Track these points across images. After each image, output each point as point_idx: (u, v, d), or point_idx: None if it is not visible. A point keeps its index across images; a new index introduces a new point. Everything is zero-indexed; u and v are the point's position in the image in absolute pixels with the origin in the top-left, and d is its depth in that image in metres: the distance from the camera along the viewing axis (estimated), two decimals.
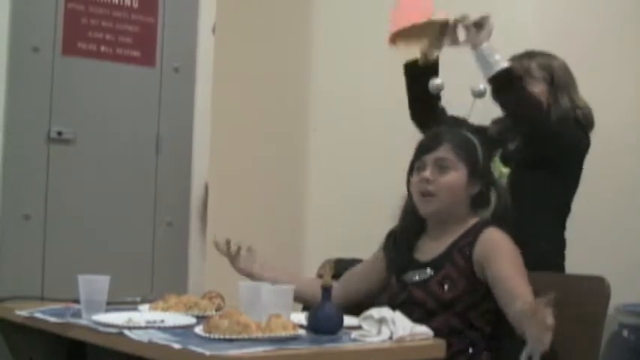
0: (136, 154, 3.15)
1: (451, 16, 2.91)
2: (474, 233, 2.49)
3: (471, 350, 2.43)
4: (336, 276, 2.90)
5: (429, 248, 2.58)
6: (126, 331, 2.23)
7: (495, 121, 3.11)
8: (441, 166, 2.51)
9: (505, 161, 3.02)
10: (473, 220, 2.55)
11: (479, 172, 2.56)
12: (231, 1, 3.65)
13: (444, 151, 2.53)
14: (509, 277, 2.36)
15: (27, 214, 2.93)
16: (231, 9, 3.59)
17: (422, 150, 2.58)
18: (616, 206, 4.02)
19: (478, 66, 2.85)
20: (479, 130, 2.85)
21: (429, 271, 2.51)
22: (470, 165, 2.54)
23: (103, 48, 3.09)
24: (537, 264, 2.53)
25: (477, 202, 2.57)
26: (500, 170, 2.99)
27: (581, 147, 2.97)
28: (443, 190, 2.51)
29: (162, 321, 2.38)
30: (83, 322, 2.42)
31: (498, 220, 2.55)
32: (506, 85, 2.83)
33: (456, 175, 2.52)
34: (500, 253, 2.42)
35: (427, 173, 2.52)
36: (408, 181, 2.62)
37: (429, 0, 2.93)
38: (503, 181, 2.91)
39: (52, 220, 2.97)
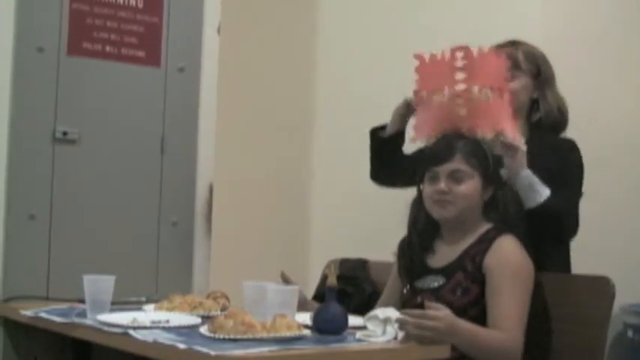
0: (141, 154, 3.16)
1: None
2: (486, 241, 2.50)
3: None
4: (341, 276, 2.90)
5: (443, 254, 2.58)
6: (131, 331, 2.23)
7: None
8: (456, 178, 2.52)
9: None
10: (485, 226, 2.56)
11: (491, 178, 2.56)
12: (236, 1, 3.65)
13: (458, 162, 2.53)
14: (498, 301, 2.41)
15: (32, 214, 2.93)
16: (236, 9, 3.60)
17: (434, 160, 2.57)
18: (621, 206, 4.02)
19: (520, 193, 2.69)
20: None
21: (441, 279, 2.52)
22: (483, 172, 2.54)
23: (108, 48, 3.09)
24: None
25: (490, 206, 2.58)
26: None
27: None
28: (459, 199, 2.52)
29: (167, 321, 2.38)
30: (88, 322, 2.43)
31: (509, 224, 2.56)
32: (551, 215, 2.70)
33: (471, 184, 2.53)
34: (502, 269, 2.44)
35: (442, 185, 2.52)
36: (419, 190, 2.62)
37: None
38: None
39: (57, 220, 2.97)
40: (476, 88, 2.60)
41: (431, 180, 2.56)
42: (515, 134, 2.63)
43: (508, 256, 2.46)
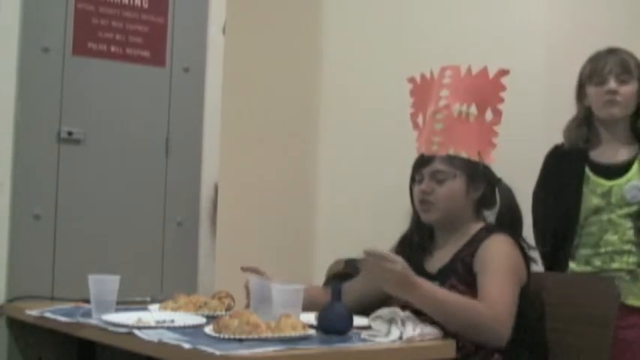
0: (146, 154, 3.16)
1: None
2: (476, 242, 2.51)
3: (481, 353, 2.42)
4: (346, 276, 2.90)
5: (437, 258, 2.60)
6: (136, 331, 2.23)
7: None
8: (437, 179, 2.54)
9: (608, 176, 2.92)
10: (477, 226, 2.56)
11: (479, 175, 2.56)
12: (242, 1, 3.65)
13: (438, 164, 2.56)
14: (483, 280, 2.42)
15: (37, 214, 2.94)
16: (241, 9, 3.59)
17: (419, 163, 2.62)
18: None
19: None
20: None
21: (436, 283, 2.52)
22: (468, 170, 2.55)
23: (113, 48, 3.09)
24: None
25: (482, 203, 2.59)
26: (598, 182, 2.92)
27: None
28: (441, 199, 2.55)
29: (172, 321, 2.39)
30: (93, 321, 2.43)
31: (504, 221, 2.56)
32: None
33: (453, 184, 2.55)
34: (488, 256, 2.45)
35: (424, 186, 2.56)
36: (411, 192, 2.65)
37: None
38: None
39: (62, 220, 2.98)
40: (456, 105, 2.59)
41: (417, 182, 2.60)
42: (489, 157, 2.60)
43: (496, 247, 2.47)
